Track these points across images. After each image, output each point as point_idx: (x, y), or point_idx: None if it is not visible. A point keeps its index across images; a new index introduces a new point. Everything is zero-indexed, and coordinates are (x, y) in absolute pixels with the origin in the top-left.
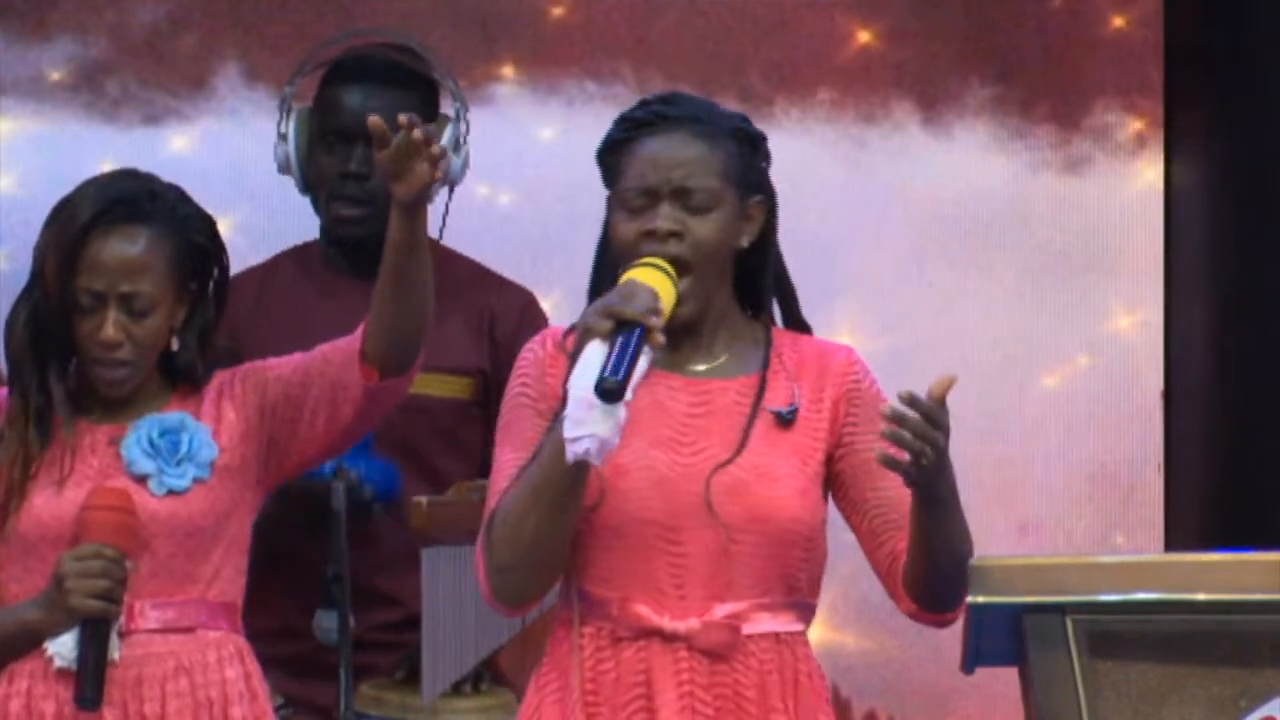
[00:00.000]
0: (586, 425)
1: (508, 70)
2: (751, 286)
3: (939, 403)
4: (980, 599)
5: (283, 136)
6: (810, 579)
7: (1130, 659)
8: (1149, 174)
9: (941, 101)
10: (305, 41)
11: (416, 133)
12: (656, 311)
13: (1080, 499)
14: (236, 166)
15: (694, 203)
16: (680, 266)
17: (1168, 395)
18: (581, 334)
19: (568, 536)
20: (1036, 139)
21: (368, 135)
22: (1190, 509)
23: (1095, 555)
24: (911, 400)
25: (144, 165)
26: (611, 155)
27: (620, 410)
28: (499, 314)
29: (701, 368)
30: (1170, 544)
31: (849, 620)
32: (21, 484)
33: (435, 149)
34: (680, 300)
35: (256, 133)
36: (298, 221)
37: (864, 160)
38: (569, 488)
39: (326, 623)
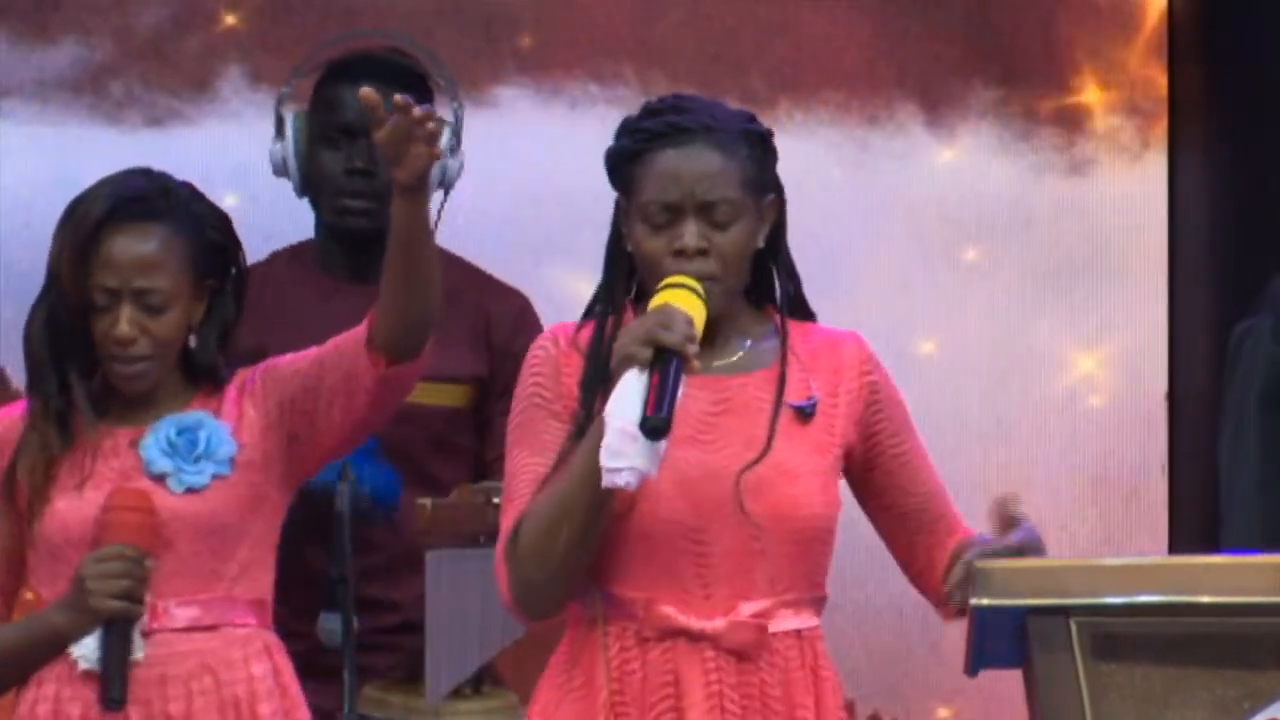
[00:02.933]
0: (627, 457)
1: (510, 72)
2: (762, 279)
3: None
4: (984, 601)
5: (280, 137)
6: (826, 572)
7: (1134, 661)
8: (1153, 176)
9: (945, 104)
10: (308, 44)
11: (416, 111)
12: (693, 339)
13: (1084, 502)
14: (240, 169)
15: (718, 217)
16: (706, 277)
17: (1172, 398)
18: (620, 361)
19: (593, 546)
20: (1040, 141)
21: (370, 131)
22: (1194, 511)
23: (1099, 558)
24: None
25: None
26: (625, 165)
27: (663, 444)
28: (495, 319)
29: (718, 364)
30: (1174, 546)
31: (853, 621)
32: (43, 487)
33: (432, 125)
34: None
35: (260, 135)
36: (300, 224)
37: (867, 162)
38: (599, 507)
39: (330, 624)
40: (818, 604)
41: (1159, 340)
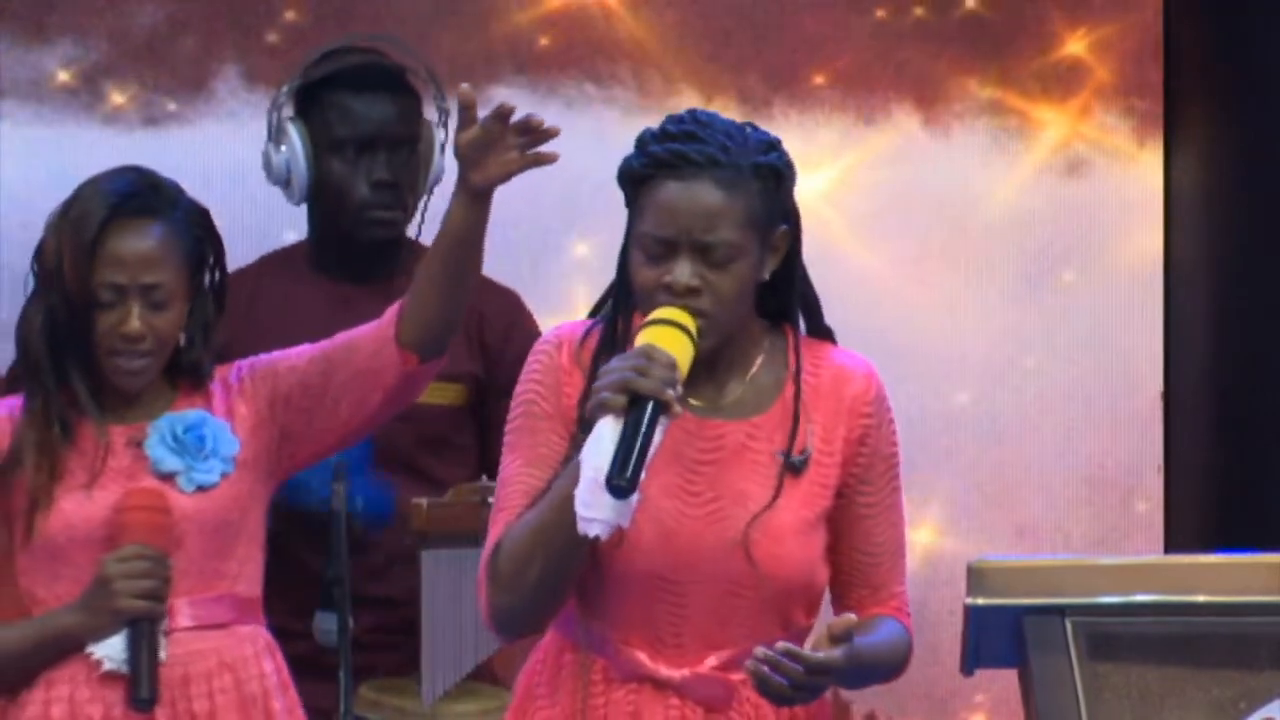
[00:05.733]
0: (596, 509)
1: (507, 72)
2: (777, 303)
3: (839, 639)
4: (979, 601)
5: (277, 146)
6: (809, 609)
7: (1130, 661)
8: (1149, 175)
9: (941, 103)
10: (304, 45)
11: (533, 120)
12: (673, 383)
13: (1079, 501)
14: (236, 169)
15: (714, 257)
16: (698, 314)
17: (1167, 397)
18: (594, 407)
19: (572, 580)
20: (1036, 141)
21: (387, 141)
22: (1190, 511)
23: (1094, 557)
24: (791, 654)
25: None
26: (631, 185)
27: (634, 498)
28: (488, 317)
29: (715, 405)
30: (1170, 546)
31: None
32: (48, 487)
33: (550, 129)
34: (698, 337)
35: (256, 136)
36: (297, 225)
37: (863, 162)
38: (576, 545)
39: (326, 624)
40: (799, 636)
41: (1154, 340)
